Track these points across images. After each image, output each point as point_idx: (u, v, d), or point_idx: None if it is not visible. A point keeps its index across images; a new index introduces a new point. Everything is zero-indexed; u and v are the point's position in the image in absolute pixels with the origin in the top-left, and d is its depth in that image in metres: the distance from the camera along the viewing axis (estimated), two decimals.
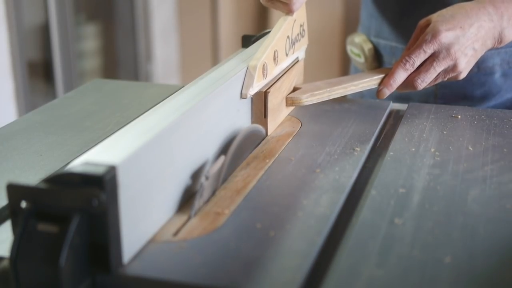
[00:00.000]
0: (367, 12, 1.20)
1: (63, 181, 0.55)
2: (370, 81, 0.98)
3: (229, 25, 3.18)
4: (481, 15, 0.93)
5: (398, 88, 0.96)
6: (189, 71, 3.19)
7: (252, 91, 0.84)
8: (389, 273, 0.57)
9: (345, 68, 3.08)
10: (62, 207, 0.55)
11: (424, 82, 0.94)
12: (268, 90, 0.87)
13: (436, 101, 1.11)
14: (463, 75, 0.96)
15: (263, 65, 0.86)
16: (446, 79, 0.96)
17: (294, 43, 0.97)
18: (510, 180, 0.75)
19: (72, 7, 2.55)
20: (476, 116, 0.94)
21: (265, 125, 0.87)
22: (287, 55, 0.95)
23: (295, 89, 0.97)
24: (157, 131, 0.63)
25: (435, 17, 0.94)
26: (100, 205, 0.54)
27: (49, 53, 2.47)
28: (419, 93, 1.12)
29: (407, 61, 0.94)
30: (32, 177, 0.77)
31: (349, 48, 1.21)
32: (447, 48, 0.92)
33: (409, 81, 0.95)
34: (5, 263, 0.57)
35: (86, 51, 2.79)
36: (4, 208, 0.68)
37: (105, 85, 1.16)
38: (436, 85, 1.12)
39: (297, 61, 1.00)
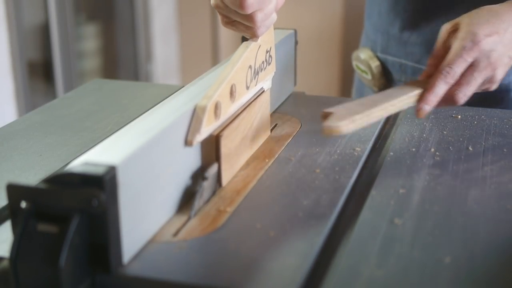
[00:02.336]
0: (372, 25, 1.15)
1: (63, 181, 0.55)
2: (409, 98, 0.83)
3: None
4: None
5: (438, 106, 0.84)
6: (189, 71, 3.19)
7: (200, 137, 0.70)
8: (389, 273, 0.57)
9: (345, 69, 3.08)
10: (62, 207, 0.55)
11: (466, 96, 0.83)
12: (220, 134, 0.72)
13: None
14: (495, 86, 0.87)
15: (216, 104, 0.72)
16: (480, 91, 0.86)
17: (257, 73, 0.83)
18: (510, 180, 0.75)
19: (72, 7, 2.55)
20: (476, 116, 0.94)
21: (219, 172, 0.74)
22: (248, 88, 0.81)
23: (326, 115, 0.78)
24: (157, 131, 0.63)
25: (466, 20, 0.85)
26: (100, 205, 0.54)
27: (49, 53, 2.47)
28: None
29: (448, 72, 0.82)
30: (32, 177, 0.77)
31: (354, 64, 1.17)
32: (488, 56, 0.82)
33: (449, 95, 0.84)
34: (5, 263, 0.57)
35: (86, 51, 2.79)
36: (4, 208, 0.68)
37: (105, 85, 1.16)
38: None
39: (262, 91, 0.86)
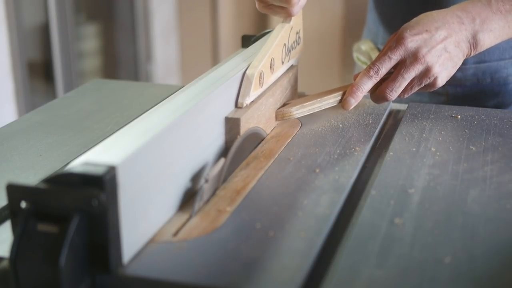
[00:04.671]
0: (374, 18, 1.17)
1: (63, 181, 0.55)
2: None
3: (229, 25, 3.18)
4: (448, 18, 0.89)
5: (374, 100, 0.92)
6: (189, 71, 3.20)
7: (249, 100, 0.83)
8: (389, 273, 0.57)
9: (345, 68, 3.08)
10: (62, 207, 0.55)
11: (394, 91, 0.89)
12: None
13: None
14: (440, 81, 0.90)
15: (260, 74, 0.84)
16: (422, 85, 0.90)
17: (290, 51, 0.95)
18: (510, 180, 0.75)
19: (72, 7, 2.55)
20: (476, 116, 0.94)
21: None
22: (282, 63, 0.93)
23: (285, 105, 0.93)
24: (157, 131, 0.63)
25: (403, 25, 0.91)
26: (100, 205, 0.54)
27: (49, 53, 2.47)
28: (431, 103, 1.10)
29: (370, 68, 0.89)
30: (32, 177, 0.77)
31: (355, 55, 1.17)
32: (414, 53, 0.87)
33: (380, 92, 0.90)
34: (5, 263, 0.57)
35: (86, 51, 2.79)
36: (4, 208, 0.68)
37: (105, 85, 1.16)
38: (447, 95, 1.09)
39: (293, 66, 0.99)
